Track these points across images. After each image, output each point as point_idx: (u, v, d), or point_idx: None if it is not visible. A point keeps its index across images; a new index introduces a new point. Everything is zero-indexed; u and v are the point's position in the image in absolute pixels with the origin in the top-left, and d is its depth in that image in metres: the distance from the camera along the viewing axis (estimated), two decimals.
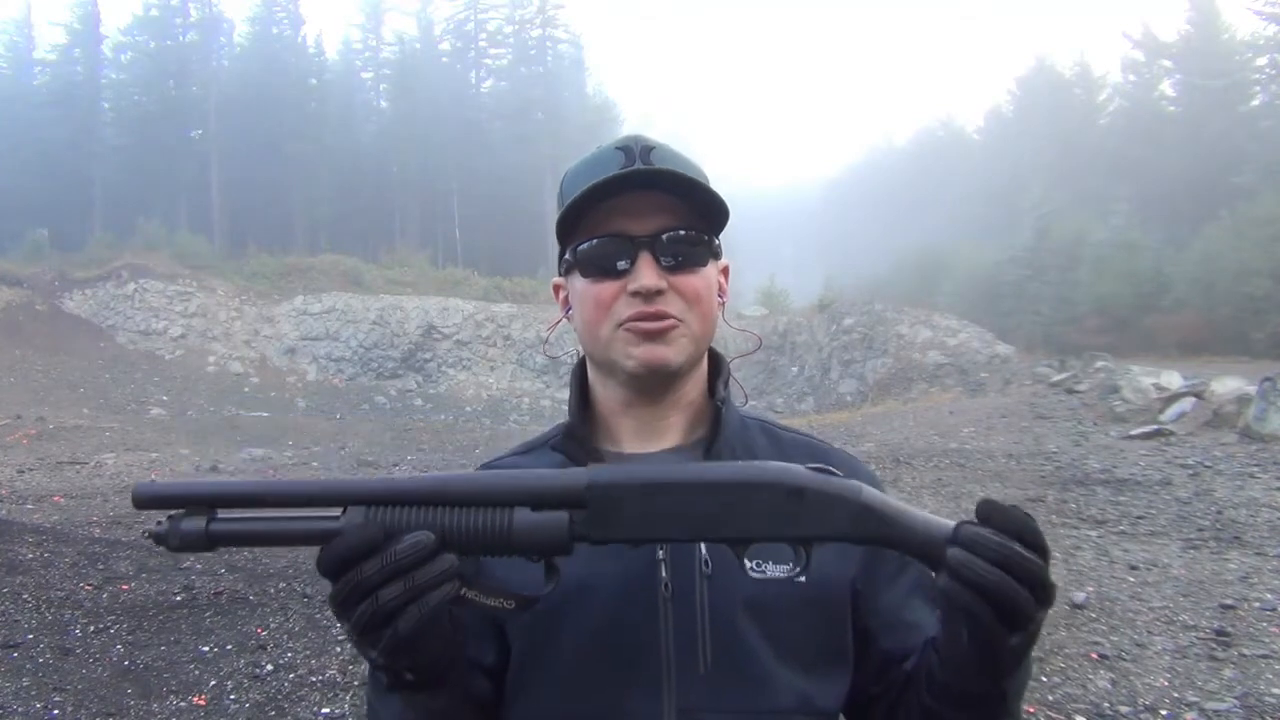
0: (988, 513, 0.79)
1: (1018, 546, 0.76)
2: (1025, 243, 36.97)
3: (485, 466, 1.13)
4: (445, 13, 56.02)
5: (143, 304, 30.40)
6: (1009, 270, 36.64)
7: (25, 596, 5.45)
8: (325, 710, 4.10)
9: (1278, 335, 23.74)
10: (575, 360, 1.12)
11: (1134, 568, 6.24)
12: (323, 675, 4.46)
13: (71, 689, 4.25)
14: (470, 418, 26.05)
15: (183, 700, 4.18)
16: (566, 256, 1.05)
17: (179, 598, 5.62)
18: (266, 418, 21.44)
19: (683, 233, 1.00)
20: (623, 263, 0.99)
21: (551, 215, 1.04)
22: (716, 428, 1.05)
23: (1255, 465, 9.73)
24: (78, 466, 13.17)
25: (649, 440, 1.06)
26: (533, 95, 51.17)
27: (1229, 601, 5.39)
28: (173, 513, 0.82)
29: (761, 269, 44.42)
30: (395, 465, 14.18)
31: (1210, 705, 3.98)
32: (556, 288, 1.10)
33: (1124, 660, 4.56)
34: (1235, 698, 4.05)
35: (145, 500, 0.81)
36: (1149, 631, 4.98)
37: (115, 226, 39.03)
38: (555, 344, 1.29)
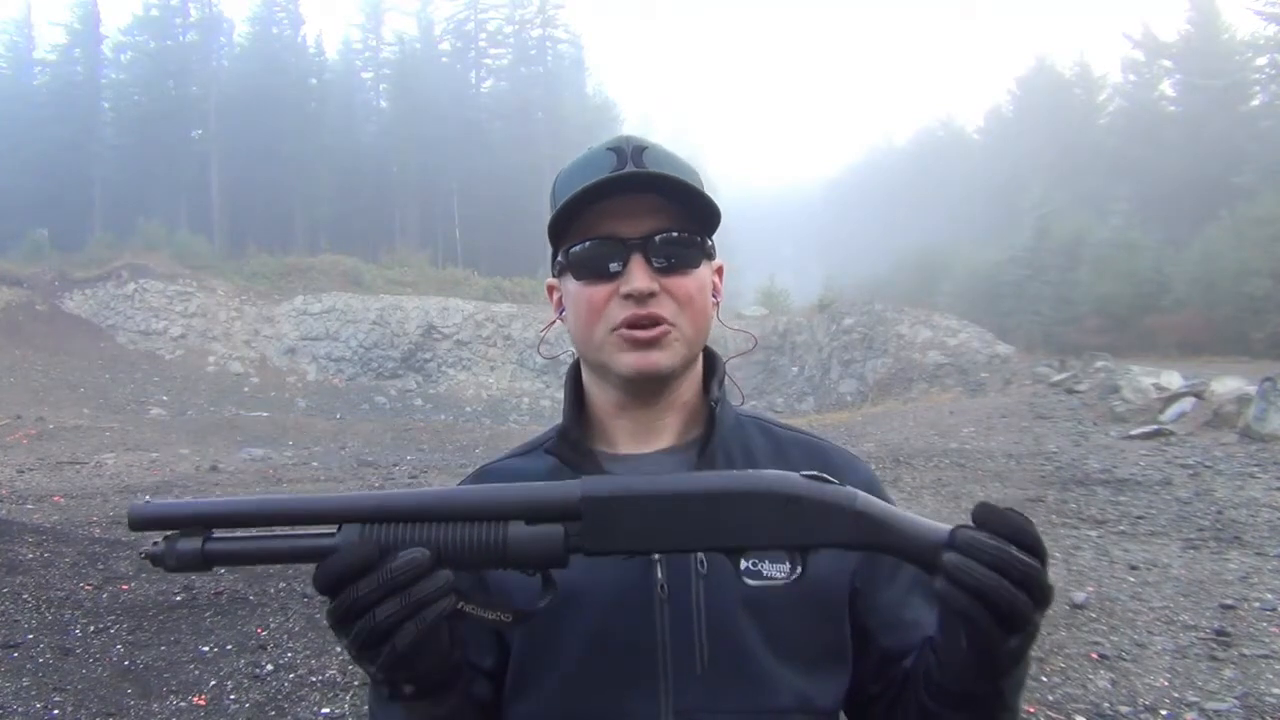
0: (984, 516, 0.79)
1: (1014, 549, 0.76)
2: (1025, 243, 37.00)
3: (481, 470, 1.13)
4: (445, 13, 56.12)
5: (143, 304, 30.40)
6: (1009, 270, 36.66)
7: (25, 596, 5.45)
8: (325, 710, 4.09)
9: (1278, 335, 23.76)
10: (573, 359, 1.12)
11: (1134, 568, 6.24)
12: (323, 675, 4.46)
13: (71, 689, 4.25)
14: (470, 418, 26.05)
15: (183, 700, 4.18)
16: (559, 258, 1.04)
17: (179, 598, 5.62)
18: (266, 418, 21.44)
19: (675, 234, 0.99)
20: (615, 265, 0.99)
21: (548, 216, 1.04)
22: (711, 428, 1.05)
23: (1255, 465, 9.73)
24: (78, 466, 13.18)
25: (644, 441, 1.06)
26: (533, 95, 51.21)
27: (1229, 601, 5.39)
28: (169, 533, 0.82)
29: (761, 269, 44.44)
30: (395, 465, 14.18)
31: (1210, 705, 3.98)
32: (550, 289, 1.10)
33: (1124, 660, 4.56)
34: (1235, 698, 4.05)
35: (141, 522, 0.81)
36: (1149, 631, 4.98)
37: (115, 226, 39.04)
38: (555, 344, 1.29)
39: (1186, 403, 13.08)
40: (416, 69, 50.74)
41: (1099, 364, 18.01)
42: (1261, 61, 40.55)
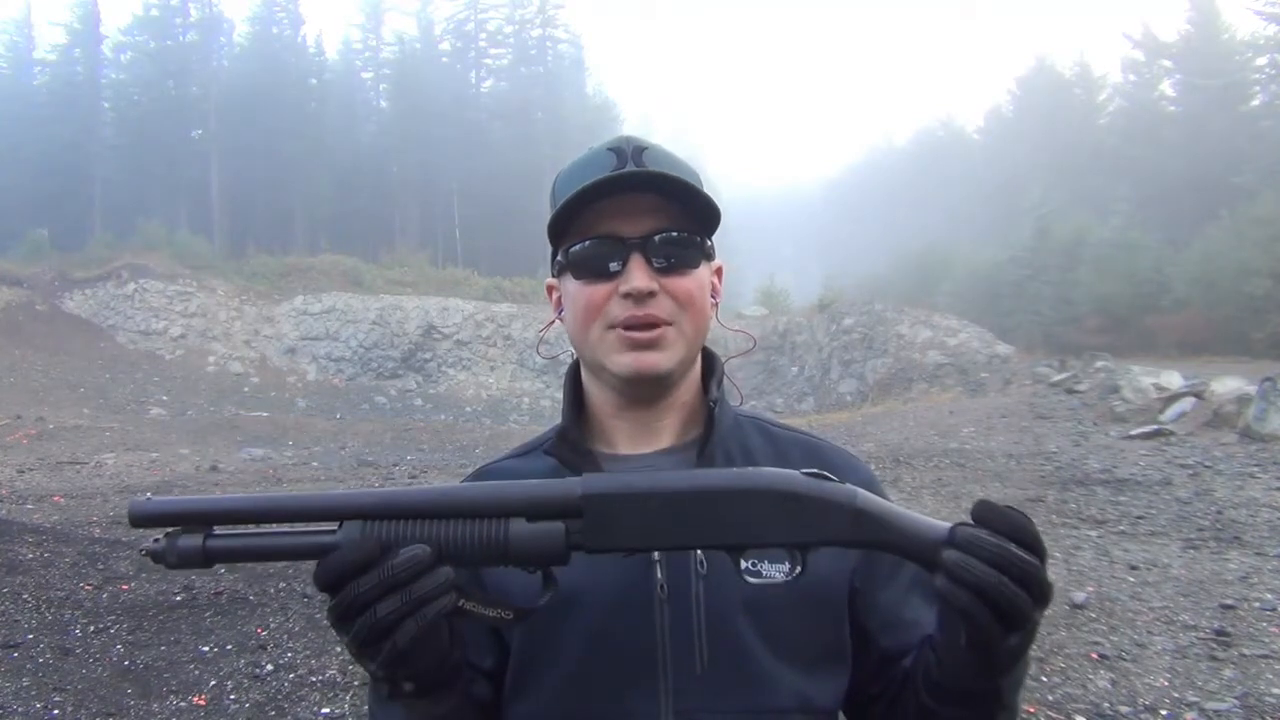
0: (983, 514, 0.79)
1: (1014, 547, 0.77)
2: (1025, 243, 36.99)
3: (480, 470, 1.13)
4: (445, 13, 56.12)
5: (143, 304, 30.41)
6: (1009, 270, 36.66)
7: (25, 596, 5.45)
8: (325, 710, 4.09)
9: (1278, 335, 23.76)
10: (572, 359, 1.12)
11: (1134, 568, 6.24)
12: (323, 675, 4.46)
13: (71, 689, 4.25)
14: (470, 418, 26.05)
15: (183, 700, 4.18)
16: (558, 258, 1.05)
17: (179, 598, 5.62)
18: (266, 418, 21.44)
19: (674, 234, 0.99)
20: (614, 264, 0.99)
21: (548, 215, 1.04)
22: (710, 428, 1.05)
23: (1255, 465, 9.73)
24: (78, 466, 13.18)
25: (642, 442, 1.06)
26: (533, 95, 51.22)
27: (1229, 601, 5.39)
28: (169, 530, 0.82)
29: (761, 269, 44.46)
30: (395, 465, 14.18)
31: (1210, 705, 3.98)
32: (550, 289, 1.11)
33: (1124, 660, 4.56)
34: (1235, 698, 4.05)
35: (141, 518, 0.81)
36: (1149, 631, 4.98)
37: (115, 226, 39.05)
38: (555, 344, 1.29)
39: (1186, 403, 13.08)
40: (416, 69, 50.76)
41: (1099, 364, 18.01)
42: (1261, 61, 40.55)
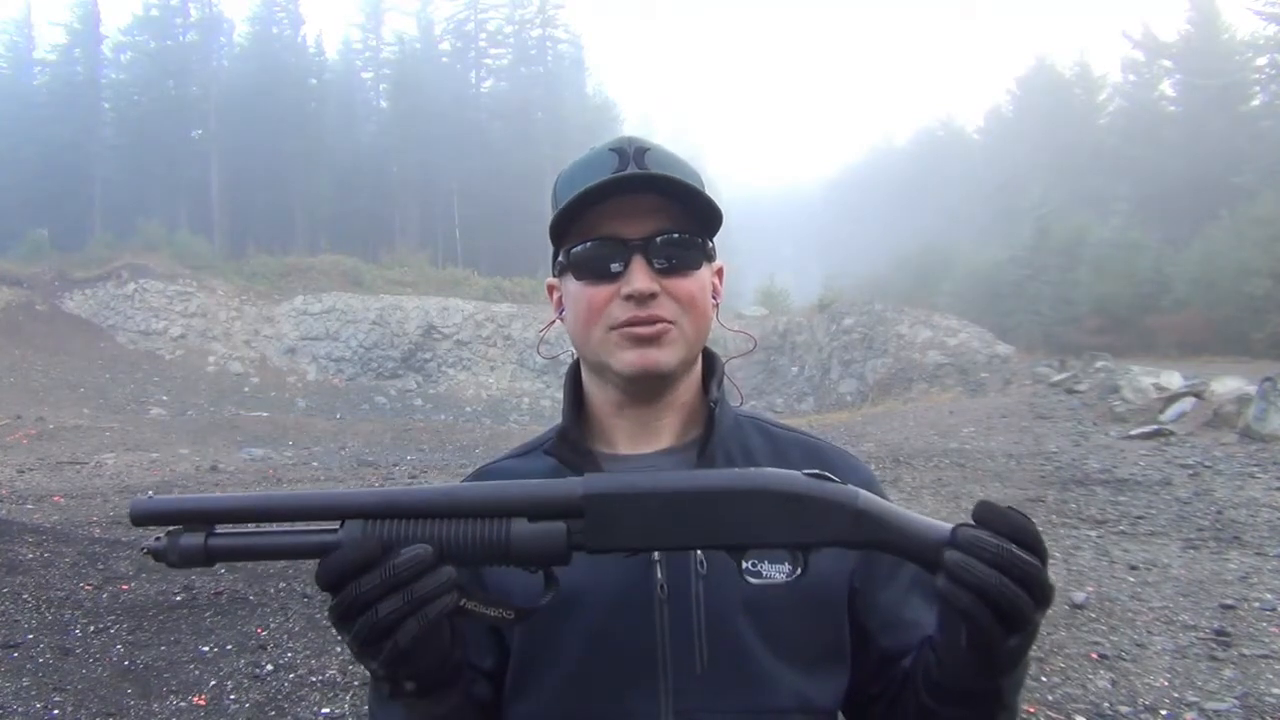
0: (984, 515, 0.79)
1: (1015, 548, 0.77)
2: (1025, 243, 36.98)
3: (480, 471, 1.13)
4: (445, 13, 56.11)
5: (143, 304, 30.41)
6: (1009, 270, 36.65)
7: (25, 596, 5.45)
8: (325, 710, 4.09)
9: (1278, 335, 23.76)
10: (573, 359, 1.12)
11: (1134, 568, 6.24)
12: (323, 675, 4.46)
13: (71, 689, 4.25)
14: (470, 418, 26.06)
15: (183, 700, 4.18)
16: (560, 258, 1.05)
17: (179, 598, 5.62)
18: (266, 418, 21.45)
19: (676, 236, 0.99)
20: (616, 265, 0.99)
21: (549, 216, 1.04)
22: (710, 428, 1.05)
23: (1255, 465, 9.73)
24: (78, 466, 13.18)
25: (643, 442, 1.06)
26: (533, 95, 51.21)
27: (1229, 601, 5.39)
28: (171, 529, 0.82)
29: (761, 269, 44.47)
30: (395, 465, 14.18)
31: (1210, 705, 3.98)
32: (550, 288, 1.11)
33: (1124, 660, 4.56)
34: (1235, 698, 4.05)
35: (142, 517, 0.81)
36: (1149, 631, 4.98)
37: (115, 226, 39.05)
38: (555, 344, 1.29)
39: (1186, 403, 13.09)
40: (416, 69, 50.75)
41: (1099, 364, 18.02)
42: (1261, 61, 40.56)
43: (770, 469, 0.85)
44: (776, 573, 0.88)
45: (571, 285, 1.03)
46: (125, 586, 5.82)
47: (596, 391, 1.08)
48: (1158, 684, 4.26)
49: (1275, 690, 4.11)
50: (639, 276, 0.98)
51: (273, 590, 5.81)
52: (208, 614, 5.35)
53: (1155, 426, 12.43)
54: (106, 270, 31.21)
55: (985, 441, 12.62)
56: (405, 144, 46.39)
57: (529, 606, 0.85)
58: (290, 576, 6.13)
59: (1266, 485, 8.75)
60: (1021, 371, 20.55)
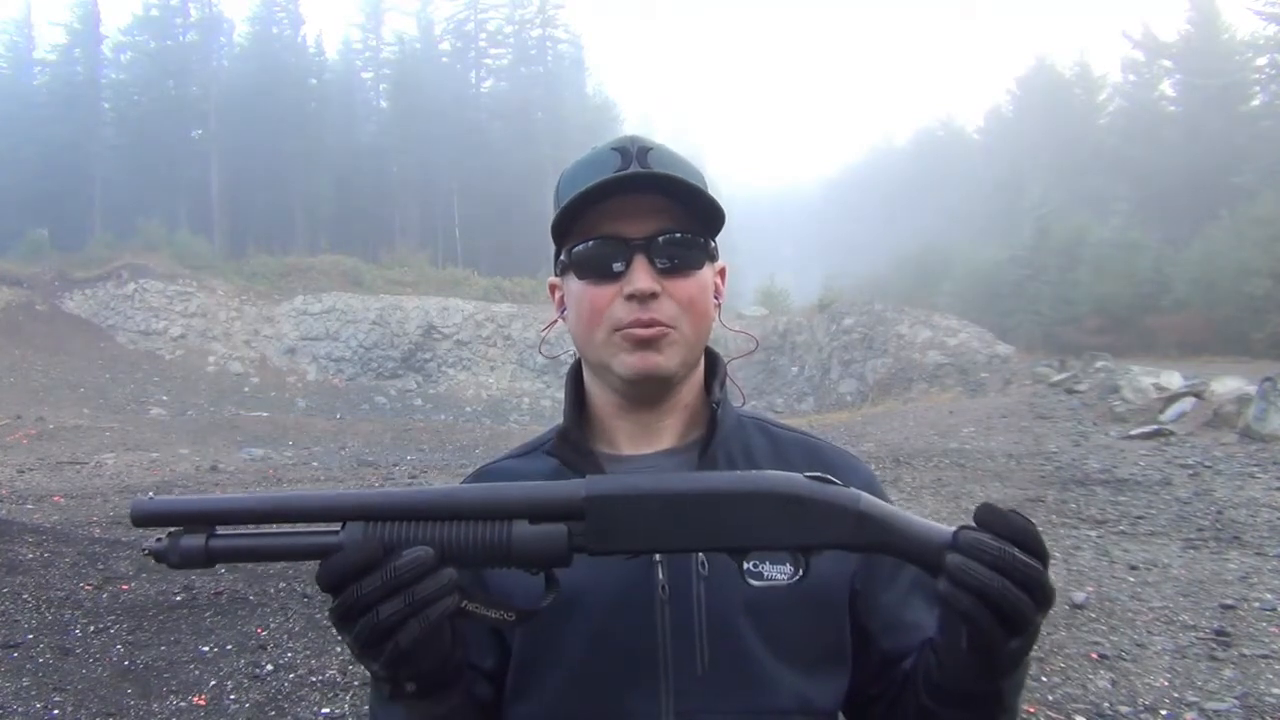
0: (986, 518, 0.79)
1: (1016, 551, 0.77)
2: (1025, 243, 36.97)
3: (480, 471, 1.13)
4: (445, 13, 56.11)
5: (143, 304, 30.41)
6: (1009, 270, 36.63)
7: (25, 596, 5.45)
8: (325, 710, 4.09)
9: (1278, 335, 23.76)
10: (574, 360, 1.12)
11: (1134, 568, 6.25)
12: (323, 675, 4.46)
13: (71, 689, 4.25)
14: (470, 418, 26.06)
15: (183, 700, 4.18)
16: (562, 257, 1.04)
17: (179, 598, 5.62)
18: (266, 418, 21.45)
19: (678, 236, 0.99)
20: (618, 265, 0.99)
21: (551, 216, 1.04)
22: (712, 429, 1.05)
23: (1255, 465, 9.73)
24: (78, 466, 13.18)
25: (644, 442, 1.06)
26: (533, 95, 51.20)
27: (1229, 601, 5.39)
28: (172, 530, 0.82)
29: (761, 269, 44.46)
30: (395, 465, 14.18)
31: (1210, 705, 3.98)
32: (552, 288, 1.10)
33: (1124, 660, 4.56)
34: (1235, 698, 4.05)
35: (143, 518, 0.81)
36: (1149, 631, 4.99)
37: (115, 226, 39.05)
38: (555, 344, 1.29)
39: (1186, 403, 13.09)
40: (416, 69, 50.74)
41: (1099, 364, 18.01)
42: (1261, 61, 40.56)
43: (771, 471, 0.85)
44: (778, 574, 0.88)
45: (573, 284, 1.03)
46: (125, 586, 5.82)
47: (598, 392, 1.08)
48: (1158, 684, 4.26)
49: (1275, 690, 4.11)
50: (641, 276, 0.98)
51: (273, 590, 5.81)
52: (208, 614, 5.35)
53: (1155, 426, 12.43)
54: (106, 270, 31.21)
55: (985, 441, 12.62)
56: (405, 144, 46.38)
57: (530, 608, 0.85)
58: (290, 576, 6.13)
59: (1266, 485, 8.75)
60: (1021, 371, 20.56)
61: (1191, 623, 5.09)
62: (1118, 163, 43.42)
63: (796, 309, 32.58)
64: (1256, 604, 5.36)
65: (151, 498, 0.82)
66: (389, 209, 46.69)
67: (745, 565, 0.84)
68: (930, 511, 8.36)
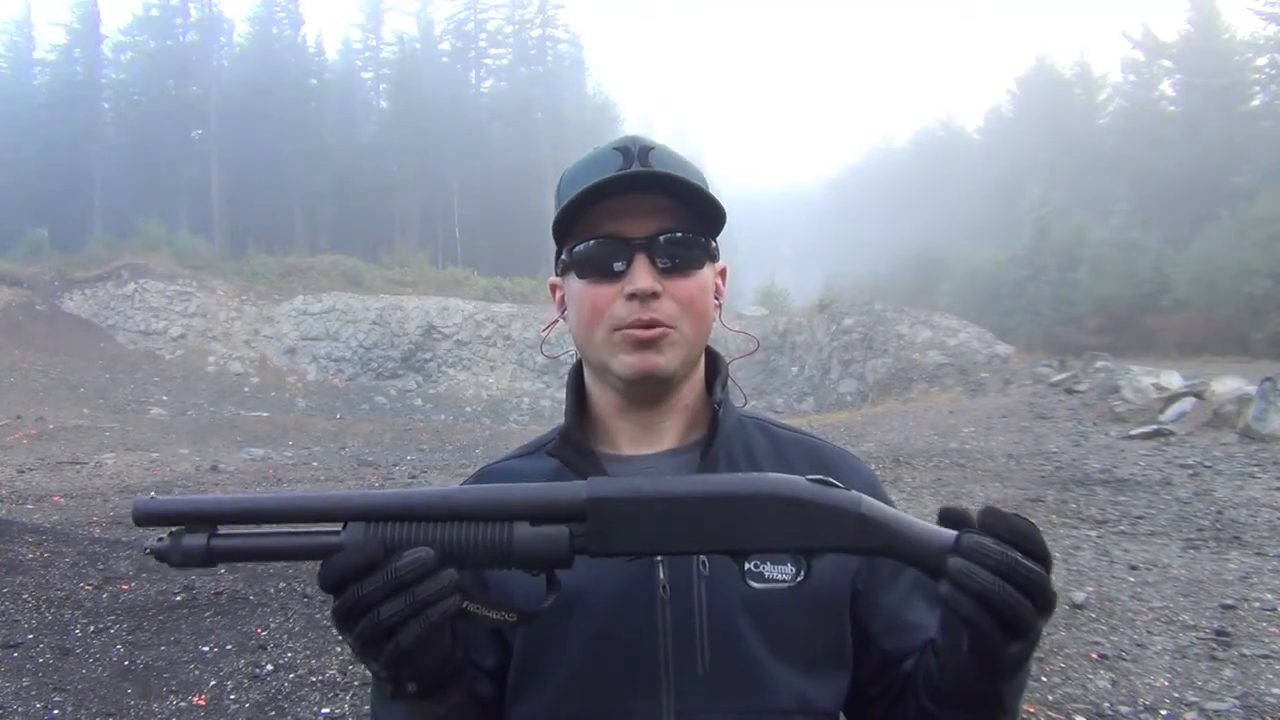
0: (990, 521, 0.79)
1: (1019, 555, 0.77)
2: (1025, 243, 36.95)
3: (482, 471, 1.13)
4: (445, 13, 56.11)
5: (143, 304, 30.41)
6: (1009, 270, 36.62)
7: (25, 596, 5.45)
8: (325, 710, 4.10)
9: (1278, 335, 23.75)
10: (574, 360, 1.12)
11: (1134, 568, 6.25)
12: (323, 675, 4.46)
13: (71, 689, 4.25)
14: (470, 418, 26.06)
15: (183, 700, 4.18)
16: (563, 257, 1.05)
17: (179, 598, 5.62)
18: (266, 418, 21.45)
19: (679, 235, 0.99)
20: (619, 264, 0.99)
21: (552, 215, 1.04)
22: (714, 429, 1.05)
23: (1255, 465, 9.73)
24: (78, 466, 13.17)
25: (646, 443, 1.06)
26: (533, 95, 51.19)
27: (1229, 601, 5.39)
28: (174, 529, 0.82)
29: (761, 269, 44.44)
30: (395, 465, 14.18)
31: (1210, 705, 3.98)
32: (553, 287, 1.10)
33: (1124, 660, 4.56)
34: (1235, 698, 4.05)
35: (145, 517, 0.81)
36: (1149, 631, 4.99)
37: (115, 226, 39.06)
38: (556, 344, 1.29)
39: (1186, 403, 13.09)
40: (416, 69, 50.73)
41: (1099, 364, 18.01)
42: (1261, 61, 40.57)
43: (773, 474, 0.85)
44: (779, 576, 0.88)
45: (574, 284, 1.03)
46: (125, 586, 5.82)
47: (599, 392, 1.08)
48: (1158, 684, 4.26)
49: (1275, 690, 4.11)
50: (641, 275, 0.98)
51: (273, 590, 5.81)
52: (208, 614, 5.35)
53: (1155, 426, 12.43)
54: (106, 270, 31.21)
55: (985, 441, 12.62)
56: (405, 144, 46.36)
57: (531, 609, 0.85)
58: (290, 577, 6.13)
59: (1266, 485, 8.75)
60: (1021, 371, 20.55)
61: (1191, 623, 5.09)
62: (1118, 163, 43.42)
63: (796, 309, 32.57)
64: (1256, 604, 5.36)
65: (153, 497, 0.82)
66: (389, 209, 46.68)
67: (746, 567, 0.84)
68: (930, 512, 8.35)
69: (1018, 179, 48.35)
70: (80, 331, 28.89)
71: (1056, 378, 18.17)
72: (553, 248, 1.07)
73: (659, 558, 0.96)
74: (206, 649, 4.80)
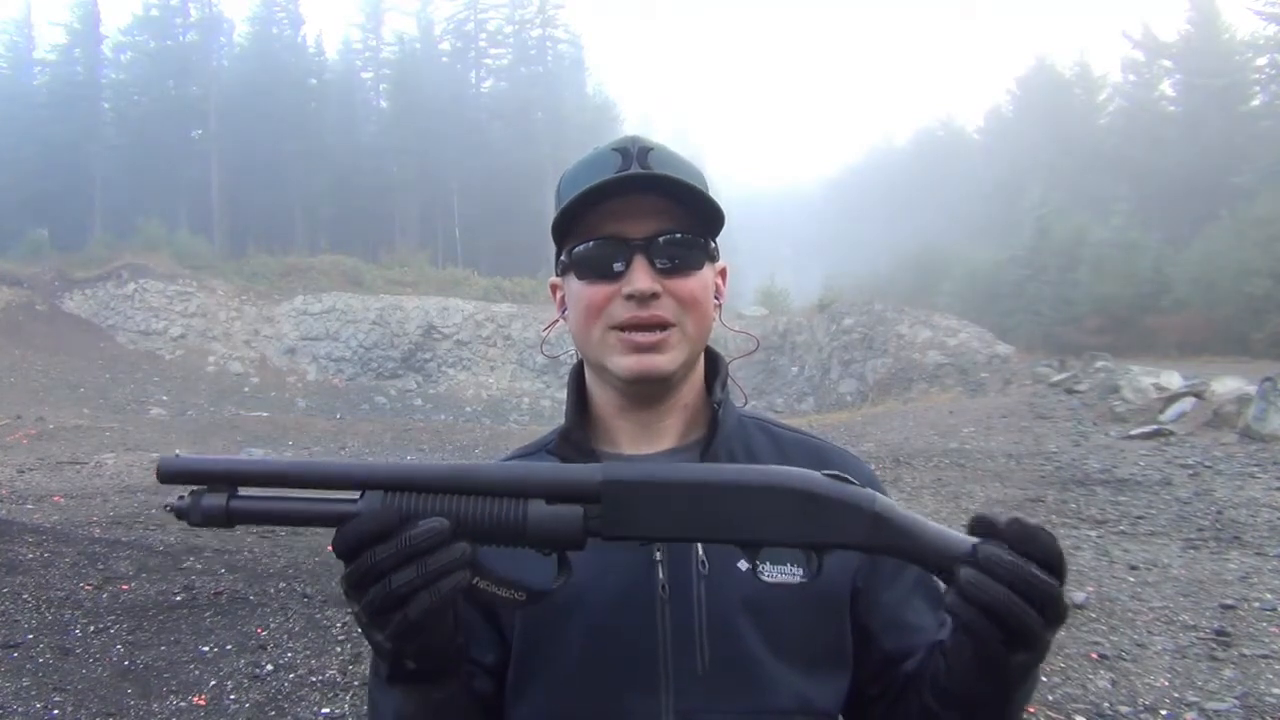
0: (1012, 530, 0.78)
1: (1032, 567, 0.76)
2: (1025, 243, 36.95)
3: None
4: (445, 13, 56.11)
5: (143, 304, 30.41)
6: (1009, 270, 36.61)
7: (25, 596, 5.45)
8: (325, 710, 4.10)
9: (1278, 335, 23.74)
10: (574, 360, 1.12)
11: (1134, 568, 6.25)
12: (323, 675, 4.46)
13: (71, 689, 4.25)
14: (470, 418, 26.06)
15: (183, 700, 4.18)
16: (562, 258, 1.05)
17: (179, 598, 5.62)
18: (266, 418, 21.45)
19: (678, 236, 1.00)
20: (618, 265, 0.99)
21: (552, 215, 1.04)
22: (713, 429, 1.05)
23: (1255, 465, 9.73)
24: (78, 466, 13.17)
25: (646, 442, 1.07)
26: (533, 95, 51.18)
27: (1229, 601, 5.39)
28: (194, 488, 0.83)
29: (761, 269, 44.45)
30: None
31: (1210, 705, 3.99)
32: (554, 287, 1.11)
33: (1124, 660, 4.56)
34: (1235, 698, 4.05)
35: (169, 474, 0.82)
36: (1149, 631, 4.99)
37: (115, 226, 39.06)
38: (555, 344, 1.29)
39: (1186, 403, 13.08)
40: (416, 69, 50.73)
41: (1099, 364, 18.01)
42: (1261, 61, 40.57)
43: (789, 467, 0.85)
44: (791, 576, 0.88)
45: (574, 284, 1.03)
46: (125, 586, 5.82)
47: (599, 392, 1.08)
48: (1158, 684, 4.26)
49: (1275, 690, 4.11)
50: (640, 276, 0.98)
51: (273, 590, 5.81)
52: (208, 614, 5.35)
53: (1155, 426, 12.43)
54: (106, 270, 31.21)
55: (985, 441, 12.62)
56: (405, 144, 46.36)
57: (542, 588, 0.85)
58: (290, 576, 6.14)
59: (1266, 485, 8.75)
60: (1021, 371, 20.55)
61: (1191, 623, 5.09)
62: (1118, 163, 43.42)
63: (796, 309, 32.58)
64: (1256, 604, 5.37)
65: (178, 455, 0.83)
66: (389, 209, 46.68)
67: (757, 561, 0.84)
68: (930, 511, 8.36)
69: (1018, 179, 48.35)
70: (80, 331, 28.89)
71: (1056, 378, 18.17)
72: (553, 248, 1.07)
73: (659, 557, 0.97)
74: (206, 649, 4.80)
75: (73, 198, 41.71)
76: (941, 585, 0.82)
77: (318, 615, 5.31)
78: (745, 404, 1.15)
